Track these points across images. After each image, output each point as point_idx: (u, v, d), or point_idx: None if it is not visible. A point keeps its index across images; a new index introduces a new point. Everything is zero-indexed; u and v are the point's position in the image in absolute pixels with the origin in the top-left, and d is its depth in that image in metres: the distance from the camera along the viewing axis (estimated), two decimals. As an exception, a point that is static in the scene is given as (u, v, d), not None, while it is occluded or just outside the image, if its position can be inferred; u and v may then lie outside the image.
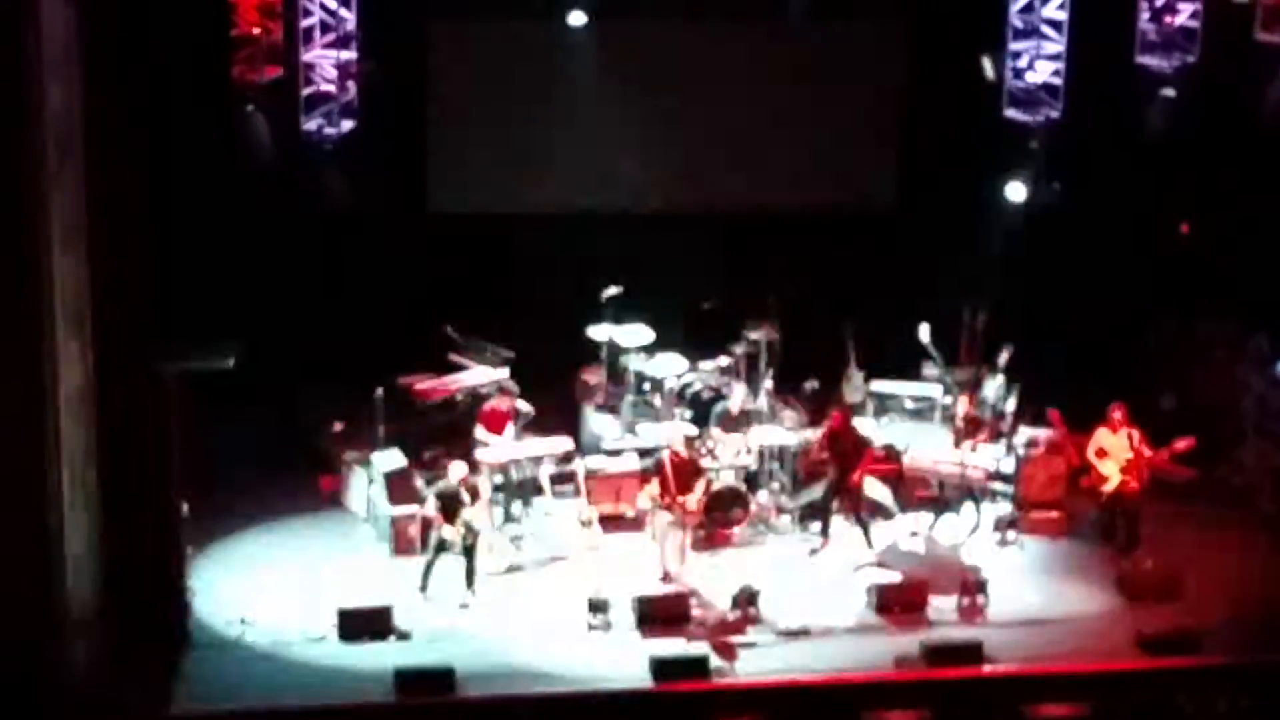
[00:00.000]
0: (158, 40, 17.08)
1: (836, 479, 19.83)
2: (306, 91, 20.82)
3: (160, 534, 17.66)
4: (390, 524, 19.77)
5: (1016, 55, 21.84)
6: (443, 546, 18.83)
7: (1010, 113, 21.96)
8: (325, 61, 20.85)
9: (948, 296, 22.46)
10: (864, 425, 21.09)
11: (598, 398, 22.51)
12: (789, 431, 21.38)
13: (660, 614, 18.33)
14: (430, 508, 18.94)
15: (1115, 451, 19.45)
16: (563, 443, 20.64)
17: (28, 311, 15.92)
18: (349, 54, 20.96)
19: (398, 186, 23.27)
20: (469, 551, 18.84)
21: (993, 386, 21.00)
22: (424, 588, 18.81)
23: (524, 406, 21.04)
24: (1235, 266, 22.60)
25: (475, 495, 18.95)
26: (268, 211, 22.00)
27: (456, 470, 19.02)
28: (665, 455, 19.48)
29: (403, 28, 22.54)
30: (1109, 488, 19.53)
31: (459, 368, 21.93)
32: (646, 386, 22.00)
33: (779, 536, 20.48)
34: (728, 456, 20.61)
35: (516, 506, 20.47)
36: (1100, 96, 22.00)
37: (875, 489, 20.59)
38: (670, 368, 21.86)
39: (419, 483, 20.00)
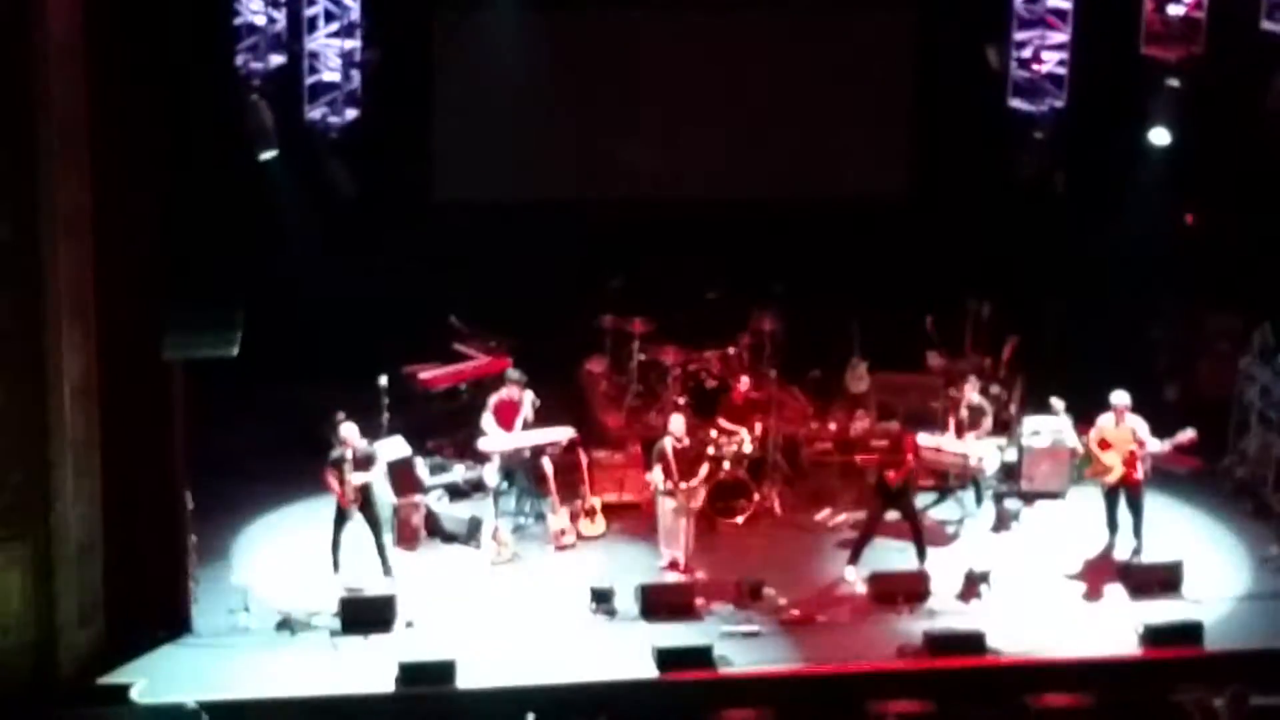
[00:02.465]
0: (162, 29, 17.04)
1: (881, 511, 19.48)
2: (310, 80, 20.78)
3: (164, 524, 17.66)
4: (394, 513, 19.76)
5: (1021, 45, 21.78)
6: (341, 517, 18.79)
7: (1015, 103, 21.92)
8: (329, 50, 20.82)
9: (953, 287, 22.47)
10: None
11: (602, 387, 22.54)
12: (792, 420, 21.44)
13: (664, 603, 18.35)
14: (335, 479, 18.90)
15: (1118, 442, 19.43)
16: (566, 432, 20.61)
17: (32, 301, 15.95)
18: (353, 42, 20.93)
19: (402, 175, 23.28)
20: (372, 523, 18.87)
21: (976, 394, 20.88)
22: (334, 563, 18.85)
23: (529, 395, 21.05)
24: (1239, 258, 22.59)
25: (369, 462, 18.92)
26: (272, 200, 22.00)
27: (348, 431, 18.92)
28: (668, 444, 19.47)
29: (407, 16, 22.53)
30: (1112, 479, 19.50)
31: (463, 357, 21.94)
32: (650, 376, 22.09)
33: (783, 526, 20.49)
34: (731, 445, 20.62)
35: (520, 495, 20.45)
36: (1105, 87, 21.97)
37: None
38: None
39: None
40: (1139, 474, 19.44)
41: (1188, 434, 19.47)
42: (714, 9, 23.44)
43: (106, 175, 16.66)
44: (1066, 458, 21.04)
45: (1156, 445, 19.41)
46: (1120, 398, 19.45)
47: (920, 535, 19.19)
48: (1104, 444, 19.52)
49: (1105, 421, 19.53)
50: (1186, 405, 21.88)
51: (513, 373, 20.62)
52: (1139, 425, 19.41)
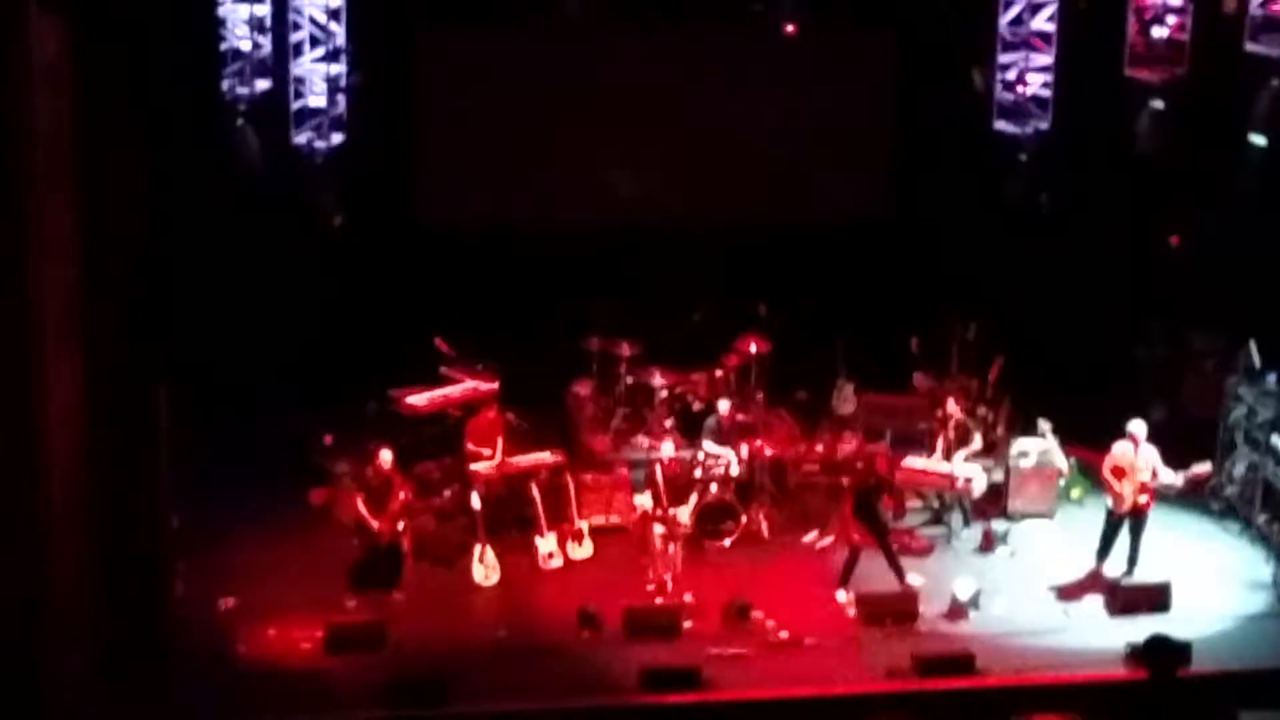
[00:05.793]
0: (148, 54, 17.06)
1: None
2: (296, 105, 20.83)
3: (150, 547, 17.63)
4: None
5: (1006, 67, 21.88)
6: (372, 542, 18.79)
7: (1000, 125, 22.00)
8: (315, 75, 20.86)
9: (939, 308, 22.50)
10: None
11: (589, 410, 22.54)
12: (780, 443, 21.44)
13: (651, 625, 18.33)
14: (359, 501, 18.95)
15: (1132, 471, 19.33)
16: (554, 455, 20.63)
17: (18, 325, 15.88)
18: (338, 67, 20.98)
19: (388, 199, 23.31)
20: (396, 548, 18.90)
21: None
22: (360, 588, 18.88)
23: (514, 419, 21.06)
24: (1225, 278, 22.64)
25: (400, 486, 18.94)
26: (258, 225, 22.02)
27: (384, 459, 18.99)
28: (657, 469, 19.46)
29: (392, 41, 22.59)
30: (1124, 508, 19.42)
31: (450, 381, 21.94)
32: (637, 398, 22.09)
33: (770, 548, 20.48)
34: (719, 468, 20.62)
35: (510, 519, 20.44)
36: (1089, 109, 22.05)
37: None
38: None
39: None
40: (1148, 504, 19.42)
41: (1203, 467, 19.46)
42: (698, 32, 23.47)
43: (92, 199, 16.66)
44: (1054, 479, 21.10)
45: (1170, 477, 19.34)
46: (1137, 427, 19.39)
47: (891, 554, 19.16)
48: (1117, 471, 19.44)
49: (1120, 449, 19.45)
50: (1172, 425, 21.89)
51: (489, 398, 20.72)
52: (1152, 455, 19.37)
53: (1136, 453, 19.32)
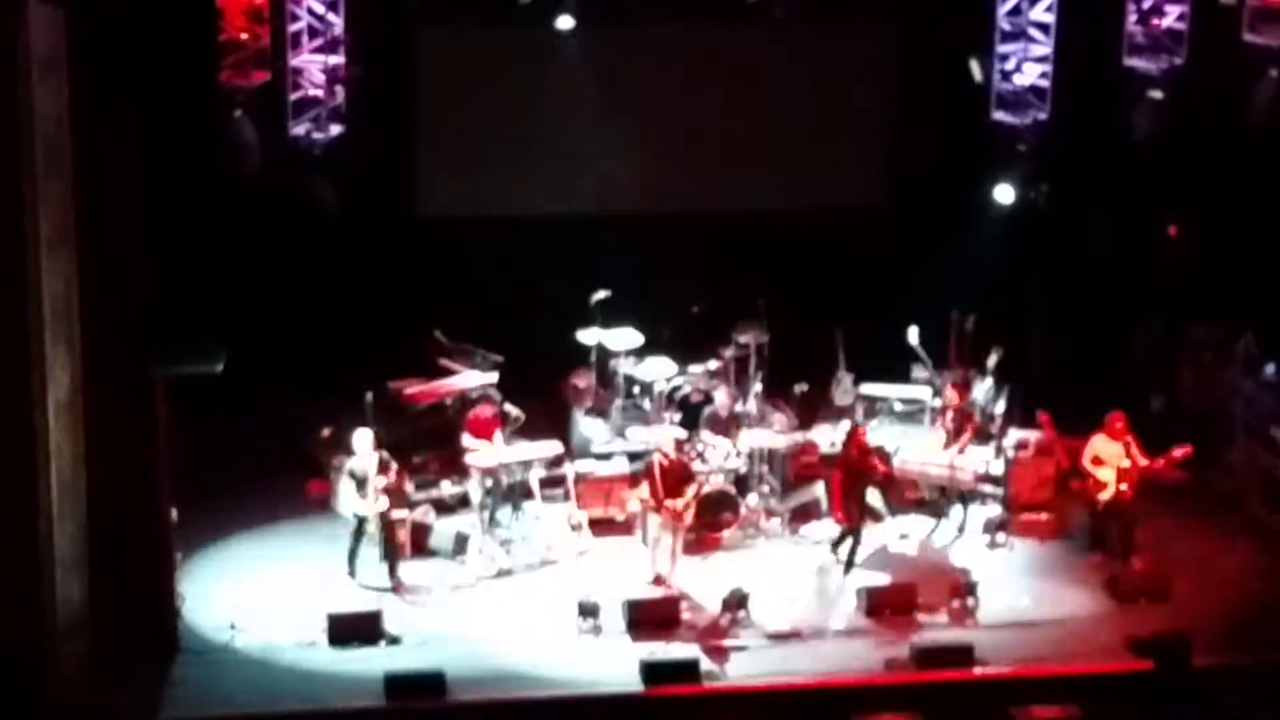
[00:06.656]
0: (146, 45, 17.05)
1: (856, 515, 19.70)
2: (294, 96, 20.77)
3: (149, 540, 17.63)
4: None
5: (1004, 58, 21.85)
6: (361, 525, 18.81)
7: (998, 115, 21.97)
8: (313, 66, 20.81)
9: (937, 299, 22.47)
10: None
11: (587, 401, 22.52)
12: (778, 434, 21.40)
13: (650, 617, 18.34)
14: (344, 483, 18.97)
15: (1112, 459, 19.35)
16: (552, 446, 20.62)
17: (16, 318, 15.91)
18: (337, 59, 20.92)
19: (386, 191, 23.26)
20: (386, 530, 18.97)
21: (981, 389, 21.02)
22: (351, 572, 19.01)
23: (513, 411, 21.06)
24: (1223, 268, 22.62)
25: (385, 469, 18.92)
26: (256, 217, 21.98)
27: (360, 441, 18.93)
28: (655, 459, 19.48)
29: (391, 32, 22.53)
30: (1105, 496, 19.43)
31: (448, 372, 21.93)
32: (636, 390, 22.03)
33: (768, 540, 20.47)
34: (717, 460, 20.61)
35: (506, 510, 20.42)
36: (1088, 99, 22.03)
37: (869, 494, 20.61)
38: (659, 371, 21.87)
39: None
40: (1131, 490, 19.41)
41: (1182, 449, 19.45)
42: (697, 24, 23.41)
43: (90, 192, 16.66)
44: (1052, 469, 21.07)
45: (1149, 462, 19.37)
46: (1116, 416, 19.39)
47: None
48: (1097, 461, 19.45)
49: (1099, 439, 19.46)
50: (1171, 416, 21.88)
51: (489, 390, 20.65)
52: (1132, 442, 19.37)
53: (1116, 442, 19.33)
